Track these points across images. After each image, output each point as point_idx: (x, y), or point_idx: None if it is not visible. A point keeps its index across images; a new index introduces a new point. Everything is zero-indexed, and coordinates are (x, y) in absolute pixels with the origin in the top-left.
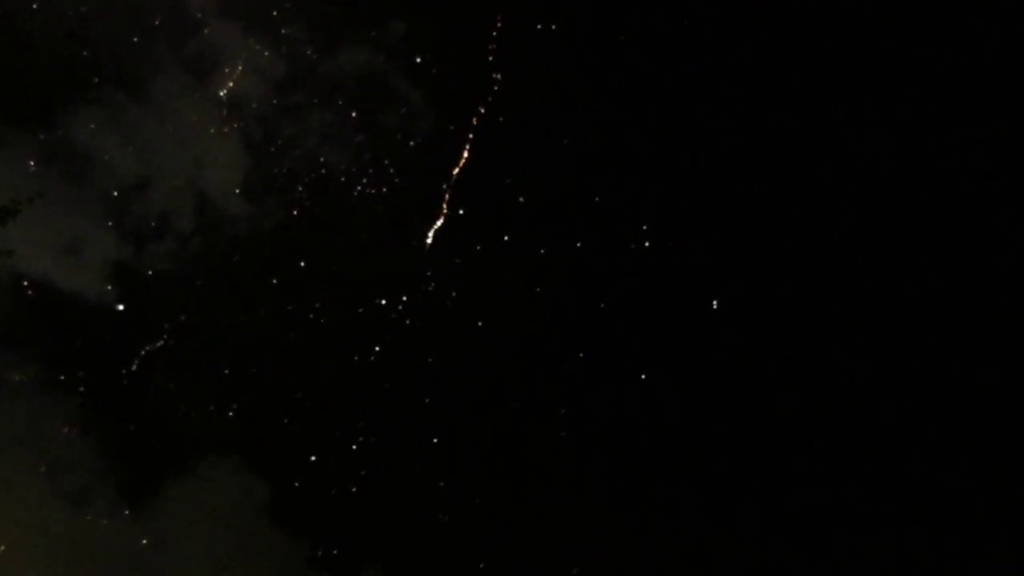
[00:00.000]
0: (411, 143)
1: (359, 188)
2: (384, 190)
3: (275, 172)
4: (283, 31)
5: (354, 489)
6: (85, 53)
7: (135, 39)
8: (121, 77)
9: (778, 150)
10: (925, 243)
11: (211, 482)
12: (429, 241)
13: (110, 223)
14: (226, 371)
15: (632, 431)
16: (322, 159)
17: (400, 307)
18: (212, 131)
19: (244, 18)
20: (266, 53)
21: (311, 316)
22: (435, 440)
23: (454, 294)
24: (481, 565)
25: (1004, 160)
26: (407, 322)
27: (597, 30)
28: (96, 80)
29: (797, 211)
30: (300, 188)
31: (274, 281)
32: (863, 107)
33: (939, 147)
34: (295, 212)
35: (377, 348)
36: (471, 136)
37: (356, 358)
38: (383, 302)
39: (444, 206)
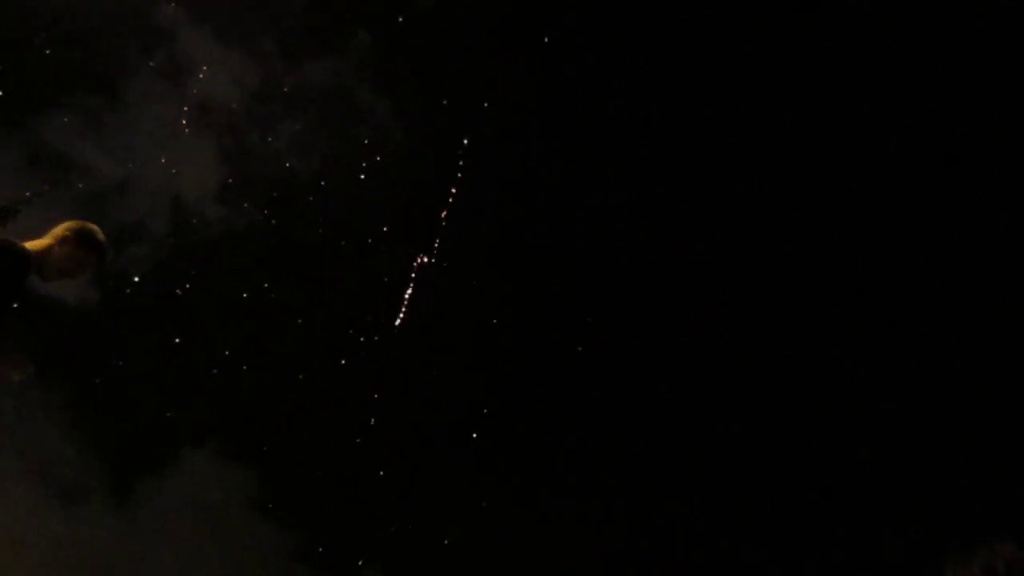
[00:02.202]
0: (397, 153)
1: (344, 197)
2: (371, 201)
3: (264, 179)
4: (275, 38)
5: (349, 483)
6: (61, 56)
7: (111, 44)
8: (96, 82)
9: (776, 150)
10: (924, 243)
11: (199, 477)
12: (421, 249)
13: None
14: (218, 368)
15: (632, 432)
16: (307, 168)
17: (395, 305)
18: (193, 136)
19: (232, 23)
20: (259, 60)
21: (303, 310)
22: (432, 436)
23: (450, 291)
24: (480, 565)
25: (1004, 160)
26: (401, 321)
27: (590, 41)
28: (71, 84)
29: (796, 211)
30: (287, 195)
31: (265, 276)
32: (860, 106)
33: (936, 148)
34: (281, 217)
35: (375, 342)
36: (461, 155)
37: (352, 352)
38: (378, 297)
39: (441, 219)
